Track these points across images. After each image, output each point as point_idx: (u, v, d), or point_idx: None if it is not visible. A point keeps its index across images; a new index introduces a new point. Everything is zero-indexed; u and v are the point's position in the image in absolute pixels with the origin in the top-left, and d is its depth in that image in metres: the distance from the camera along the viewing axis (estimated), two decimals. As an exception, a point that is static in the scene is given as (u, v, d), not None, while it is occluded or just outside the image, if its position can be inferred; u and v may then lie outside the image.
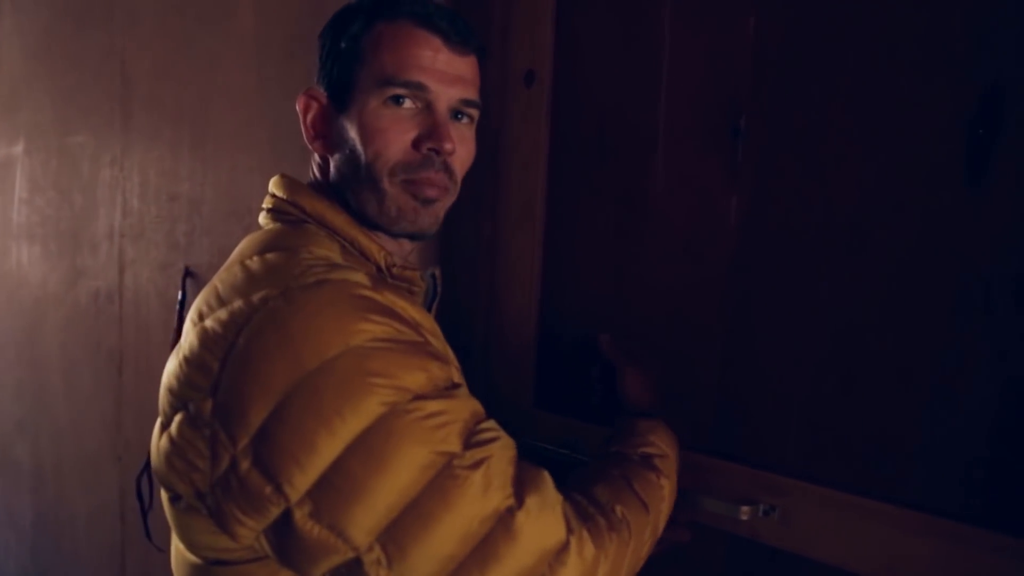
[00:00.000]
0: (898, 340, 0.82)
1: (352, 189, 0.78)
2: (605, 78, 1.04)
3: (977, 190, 0.72)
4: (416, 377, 0.66)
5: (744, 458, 0.95)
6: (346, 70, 0.77)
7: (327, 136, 0.80)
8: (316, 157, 0.83)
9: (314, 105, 0.80)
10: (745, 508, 0.90)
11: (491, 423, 0.72)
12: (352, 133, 0.76)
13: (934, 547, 0.78)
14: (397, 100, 0.75)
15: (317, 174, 0.83)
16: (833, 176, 0.84)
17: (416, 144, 0.75)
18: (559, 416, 1.10)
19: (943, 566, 0.77)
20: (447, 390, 0.69)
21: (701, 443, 0.98)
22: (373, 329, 0.66)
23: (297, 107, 0.80)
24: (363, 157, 0.76)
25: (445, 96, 0.76)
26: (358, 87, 0.76)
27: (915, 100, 0.76)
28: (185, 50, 2.01)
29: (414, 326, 0.70)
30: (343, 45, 0.77)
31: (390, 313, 0.68)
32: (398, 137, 0.75)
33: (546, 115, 1.08)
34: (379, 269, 0.78)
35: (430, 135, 0.75)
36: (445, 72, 0.75)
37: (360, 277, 0.70)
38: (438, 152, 0.75)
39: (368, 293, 0.68)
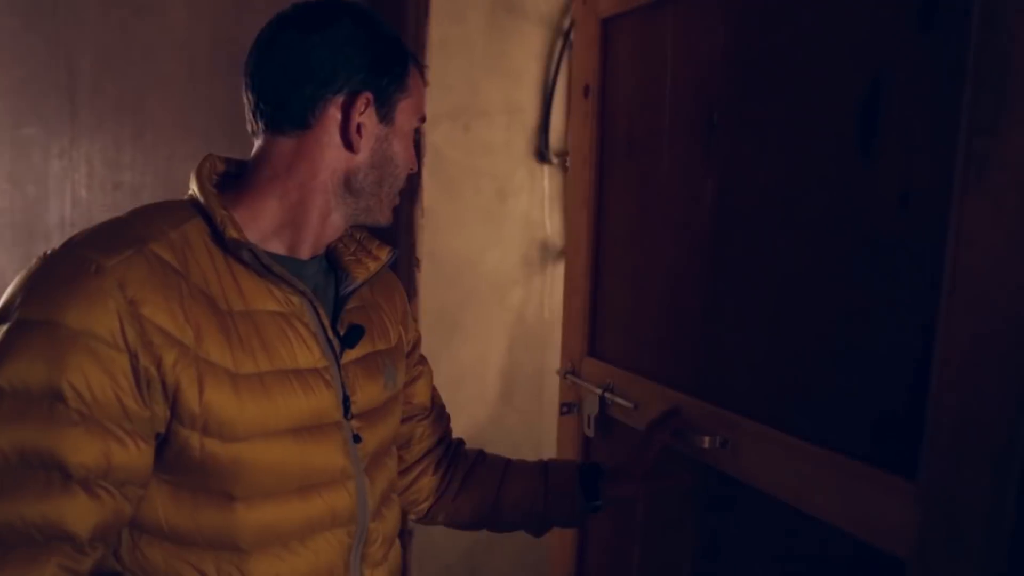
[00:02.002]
0: (817, 295, 0.91)
1: (375, 188, 0.89)
2: (630, 89, 1.28)
3: (867, 160, 0.84)
4: (17, 367, 0.69)
5: (711, 397, 1.09)
6: (393, 91, 0.87)
7: (364, 136, 0.87)
8: (318, 147, 0.85)
9: (363, 107, 0.85)
10: (706, 439, 1.04)
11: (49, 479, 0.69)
12: (395, 147, 0.89)
13: (838, 481, 0.86)
14: (416, 131, 0.93)
15: (303, 159, 0.85)
16: (772, 156, 0.98)
17: (412, 164, 0.94)
18: (603, 362, 1.35)
19: (844, 499, 0.86)
20: (52, 400, 0.69)
21: (684, 384, 1.13)
22: (32, 307, 0.71)
23: (360, 102, 0.85)
24: (398, 170, 0.91)
25: None
26: (401, 110, 0.89)
27: (829, 97, 0.89)
28: (124, 42, 2.07)
29: (133, 318, 0.72)
30: (395, 69, 0.88)
31: (82, 295, 0.70)
32: (412, 159, 0.93)
33: (596, 119, 1.36)
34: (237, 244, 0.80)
35: (415, 161, 0.94)
36: None
37: (115, 259, 0.73)
38: (413, 171, 0.94)
39: (80, 270, 0.72)
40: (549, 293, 2.55)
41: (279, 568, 0.81)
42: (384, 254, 0.96)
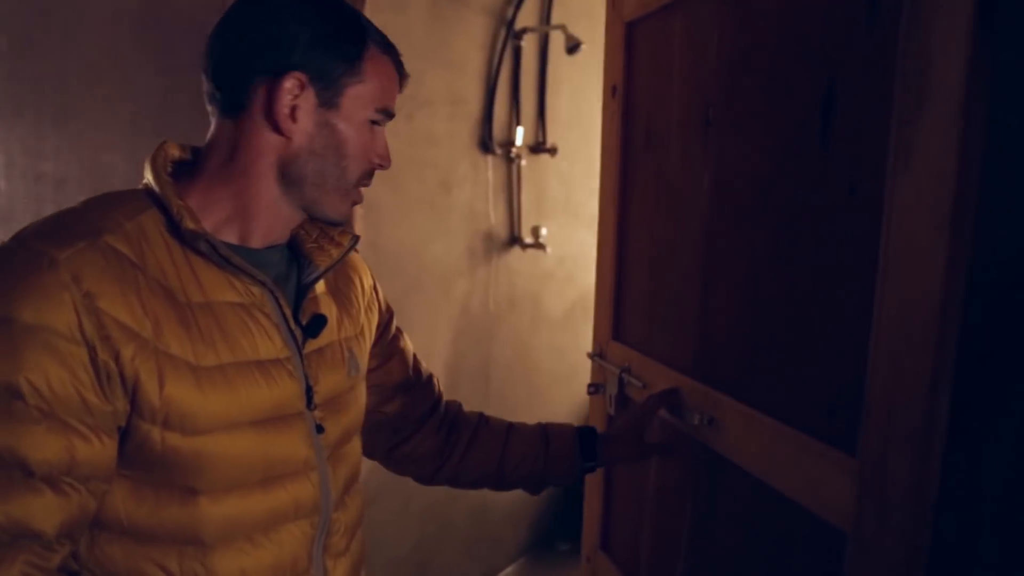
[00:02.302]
0: (783, 281, 0.96)
1: (317, 177, 0.84)
2: (649, 88, 1.36)
3: (824, 153, 0.89)
4: None
5: (703, 378, 1.14)
6: (338, 73, 0.82)
7: (299, 122, 0.82)
8: (255, 131, 0.82)
9: (297, 89, 0.81)
10: (696, 416, 1.10)
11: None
12: (340, 137, 0.83)
13: (798, 458, 0.91)
14: (376, 123, 0.86)
15: (242, 144, 0.83)
16: (752, 151, 1.03)
17: (371, 158, 0.87)
18: (624, 346, 1.43)
19: (802, 474, 0.90)
20: (9, 398, 0.68)
21: (683, 365, 1.20)
22: None
23: (284, 84, 0.80)
24: (345, 161, 0.84)
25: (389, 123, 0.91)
26: (351, 97, 0.83)
27: (798, 94, 0.93)
28: (43, 25, 1.96)
29: (90, 312, 0.70)
30: (344, 50, 0.82)
31: (36, 289, 0.69)
32: (372, 152, 0.87)
33: (621, 117, 1.44)
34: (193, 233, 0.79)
35: (383, 155, 0.88)
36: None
37: (68, 252, 0.71)
38: (382, 167, 0.89)
39: (32, 264, 0.70)
40: (494, 284, 2.54)
41: (243, 561, 0.81)
42: (346, 240, 0.94)
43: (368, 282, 1.05)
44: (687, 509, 1.21)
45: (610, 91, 1.47)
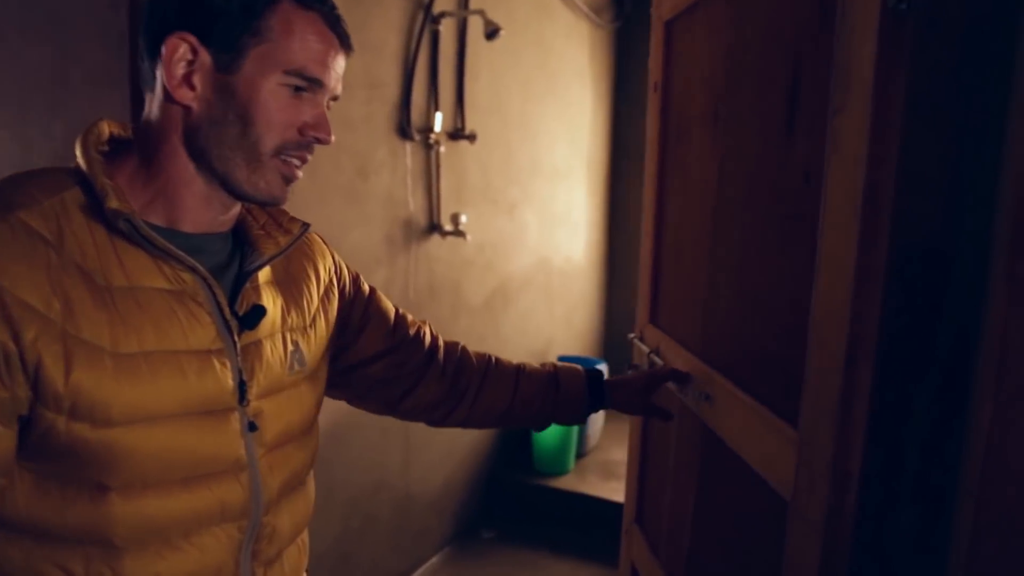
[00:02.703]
0: (758, 265, 1.03)
1: (222, 149, 0.78)
2: (681, 83, 1.43)
3: (791, 138, 0.94)
4: None
5: (705, 357, 1.21)
6: (239, 32, 0.75)
7: (197, 89, 0.76)
8: (161, 104, 0.78)
9: (189, 53, 0.75)
10: (693, 394, 1.20)
11: None
12: (243, 102, 0.76)
13: (759, 429, 0.97)
14: (297, 89, 0.78)
15: (154, 119, 0.78)
16: (744, 144, 1.10)
17: (302, 129, 0.79)
18: (658, 329, 1.52)
19: (760, 444, 0.97)
20: None
21: (693, 346, 1.27)
22: None
23: (163, 48, 0.74)
24: (252, 129, 0.77)
25: (330, 92, 0.81)
26: (255, 58, 0.76)
27: (775, 88, 0.99)
28: (-88, -9, 1.78)
29: None
30: (231, 5, 0.75)
31: None
32: (292, 121, 0.78)
33: (660, 111, 1.54)
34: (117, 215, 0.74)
35: (317, 125, 0.80)
36: (335, 72, 0.81)
37: None
38: (319, 141, 0.80)
39: None
40: (414, 272, 2.50)
41: (158, 567, 0.75)
42: (297, 228, 0.89)
43: (327, 268, 0.98)
44: (693, 485, 1.28)
45: (652, 87, 1.59)
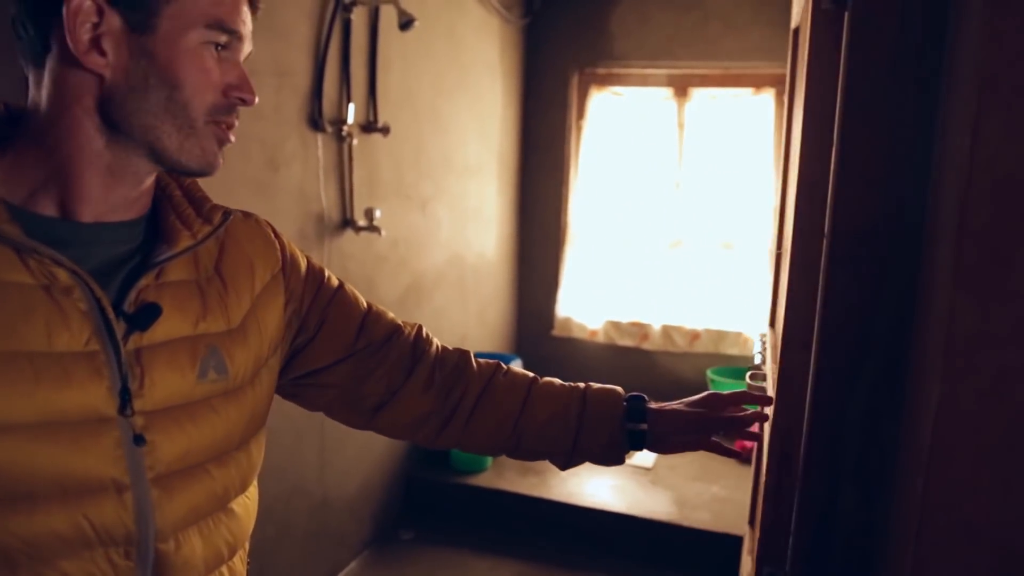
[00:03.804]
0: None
1: (146, 117, 0.72)
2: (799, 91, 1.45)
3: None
4: None
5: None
6: None
7: (108, 55, 0.70)
8: (59, 75, 0.71)
9: (94, 14, 0.69)
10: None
11: None
12: (164, 64, 0.71)
13: None
14: (218, 46, 0.73)
15: (48, 94, 0.72)
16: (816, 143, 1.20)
17: (226, 91, 0.75)
18: (773, 332, 1.48)
19: None
20: None
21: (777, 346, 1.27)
22: None
23: (65, 8, 0.68)
24: (180, 93, 0.72)
25: (246, 49, 0.77)
26: (171, 15, 0.70)
27: None
28: None
29: None
30: None
31: None
32: (218, 81, 0.74)
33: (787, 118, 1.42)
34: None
35: (240, 85, 0.75)
36: (248, 27, 0.77)
37: None
38: (244, 103, 0.76)
39: None
40: (327, 269, 2.42)
41: None
42: (217, 217, 0.81)
43: (270, 263, 0.89)
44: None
45: (784, 93, 1.66)
